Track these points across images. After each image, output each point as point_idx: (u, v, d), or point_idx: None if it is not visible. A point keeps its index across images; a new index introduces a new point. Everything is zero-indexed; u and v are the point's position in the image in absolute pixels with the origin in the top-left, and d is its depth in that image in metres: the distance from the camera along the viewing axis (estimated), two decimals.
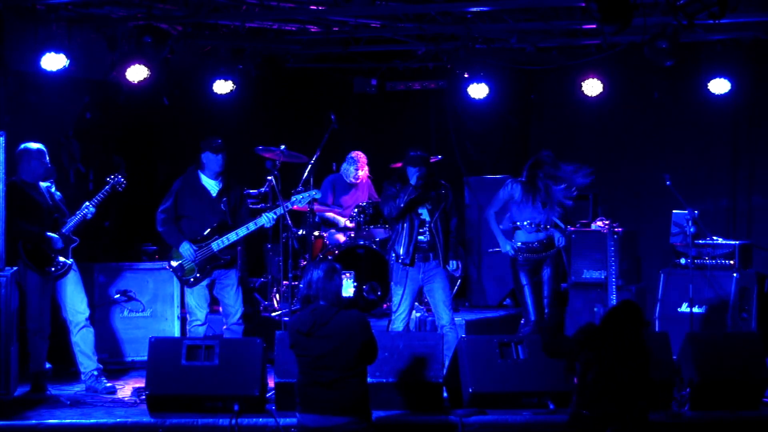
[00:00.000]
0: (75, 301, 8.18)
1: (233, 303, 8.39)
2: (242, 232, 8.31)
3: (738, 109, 11.23)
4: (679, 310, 9.70)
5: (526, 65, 11.03)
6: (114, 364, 9.03)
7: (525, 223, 8.56)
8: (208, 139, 8.35)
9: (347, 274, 9.81)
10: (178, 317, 9.28)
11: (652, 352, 6.39)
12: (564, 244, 8.69)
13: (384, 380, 7.49)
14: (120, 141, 10.48)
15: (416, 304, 9.00)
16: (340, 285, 6.54)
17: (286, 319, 9.09)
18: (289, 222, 10.06)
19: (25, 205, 8.00)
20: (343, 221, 10.53)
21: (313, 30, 10.55)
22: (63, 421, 7.32)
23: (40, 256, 8.02)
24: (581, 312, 9.89)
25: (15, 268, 7.84)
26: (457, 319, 8.93)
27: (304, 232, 10.20)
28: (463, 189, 11.47)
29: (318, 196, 9.05)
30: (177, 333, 9.25)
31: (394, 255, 8.30)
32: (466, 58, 10.59)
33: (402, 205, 8.20)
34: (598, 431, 6.14)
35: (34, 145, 8.12)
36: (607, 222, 9.26)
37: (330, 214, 10.67)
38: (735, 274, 9.75)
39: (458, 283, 10.50)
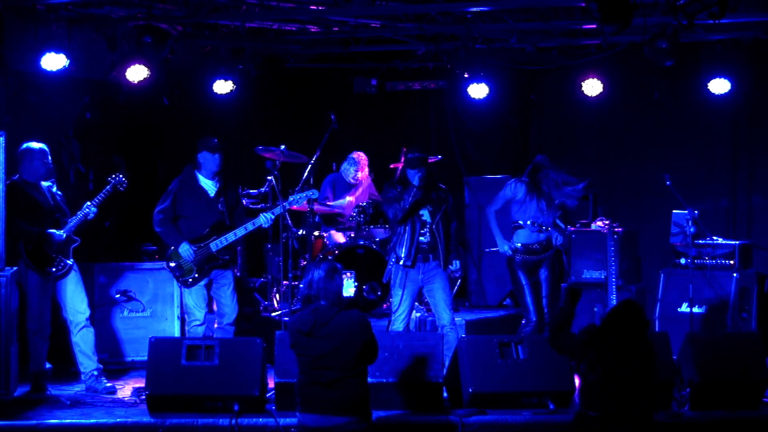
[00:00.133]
0: (75, 301, 8.18)
1: (229, 303, 8.40)
2: (240, 232, 8.31)
3: (738, 109, 11.23)
4: (679, 310, 9.70)
5: (526, 65, 11.03)
6: (114, 364, 9.03)
7: (528, 222, 8.54)
8: (204, 138, 8.35)
9: (348, 274, 9.82)
10: (178, 317, 9.28)
11: (654, 353, 6.38)
12: (561, 243, 8.69)
13: (384, 380, 7.49)
14: (120, 141, 10.48)
15: (416, 304, 9.00)
16: (341, 285, 6.54)
17: (286, 319, 9.09)
18: (289, 222, 10.07)
19: (27, 205, 8.00)
20: (348, 200, 10.51)
21: (313, 30, 10.55)
22: (63, 421, 7.32)
23: (41, 257, 8.03)
24: (581, 312, 9.84)
25: (15, 268, 7.85)
26: (457, 319, 8.93)
27: (304, 232, 10.20)
28: (463, 189, 11.48)
29: (315, 196, 9.05)
30: (177, 333, 9.25)
31: (395, 257, 8.29)
32: (466, 58, 10.59)
33: (407, 206, 8.20)
34: (604, 431, 6.13)
35: (36, 145, 8.12)
36: (607, 222, 9.26)
37: (334, 204, 10.66)
38: (735, 274, 9.75)
39: (458, 283, 10.50)
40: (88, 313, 8.25)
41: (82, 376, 8.26)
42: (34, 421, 7.27)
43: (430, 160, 8.58)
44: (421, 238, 8.28)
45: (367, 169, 10.84)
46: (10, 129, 7.99)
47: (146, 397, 7.43)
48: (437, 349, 7.61)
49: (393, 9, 9.46)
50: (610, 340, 6.21)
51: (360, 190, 10.78)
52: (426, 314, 9.64)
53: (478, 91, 10.87)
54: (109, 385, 8.23)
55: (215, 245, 8.26)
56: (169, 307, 9.36)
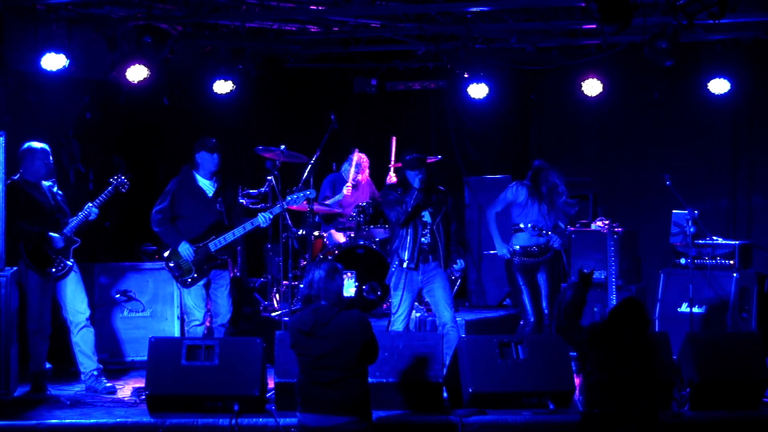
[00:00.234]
0: (75, 301, 8.18)
1: (224, 304, 8.43)
2: (239, 232, 8.31)
3: (738, 109, 11.23)
4: (679, 310, 9.71)
5: (526, 65, 11.03)
6: (114, 364, 9.04)
7: (528, 225, 8.55)
8: (202, 138, 8.35)
9: (349, 274, 9.81)
10: (178, 317, 9.28)
11: (655, 351, 6.38)
12: (559, 245, 8.68)
13: (384, 380, 7.49)
14: (120, 141, 10.48)
15: (416, 304, 9.00)
16: (342, 285, 6.54)
17: (286, 319, 9.09)
18: (289, 222, 10.07)
19: (27, 206, 8.00)
20: (343, 194, 10.51)
21: (313, 30, 10.55)
22: (63, 421, 7.32)
23: (41, 257, 8.02)
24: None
25: (15, 268, 7.85)
26: (458, 318, 8.92)
27: (304, 232, 10.20)
28: (463, 189, 11.48)
29: (312, 195, 9.04)
30: (177, 333, 9.25)
31: (398, 260, 8.27)
32: (466, 58, 10.59)
33: (410, 209, 8.19)
34: (610, 431, 6.12)
35: (38, 145, 8.12)
36: (607, 222, 9.26)
37: (331, 201, 10.66)
38: (735, 274, 9.76)
39: (458, 283, 10.50)
40: (88, 313, 8.25)
41: (82, 376, 8.26)
42: (34, 421, 7.27)
43: (428, 161, 8.59)
44: (422, 239, 8.28)
45: (367, 171, 10.84)
46: (10, 129, 7.99)
47: (146, 397, 7.43)
48: (437, 349, 7.61)
49: (393, 9, 9.46)
50: (611, 339, 6.20)
51: (351, 188, 10.76)
52: (426, 314, 9.64)
53: (478, 91, 10.87)
54: (109, 385, 8.23)
55: (214, 245, 8.26)
56: (169, 307, 9.37)
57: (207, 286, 8.37)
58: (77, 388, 8.28)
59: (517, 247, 8.62)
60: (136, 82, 9.58)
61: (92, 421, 7.32)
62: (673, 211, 10.00)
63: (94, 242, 8.94)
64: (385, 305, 9.91)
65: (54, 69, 8.98)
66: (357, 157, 10.78)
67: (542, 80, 11.89)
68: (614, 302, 9.10)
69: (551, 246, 8.63)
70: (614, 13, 7.58)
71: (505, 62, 11.01)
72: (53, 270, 8.07)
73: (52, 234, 8.04)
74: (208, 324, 8.48)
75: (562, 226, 8.80)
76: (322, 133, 10.34)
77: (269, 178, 9.57)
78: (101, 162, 10.17)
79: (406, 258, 8.23)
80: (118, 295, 9.30)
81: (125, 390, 8.30)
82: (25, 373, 8.12)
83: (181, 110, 10.65)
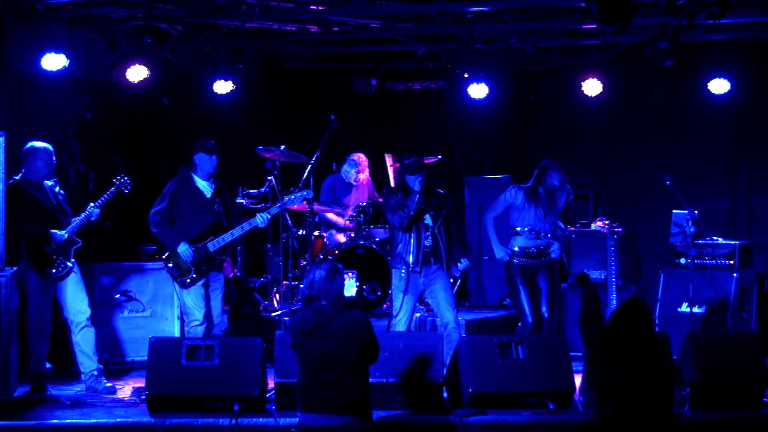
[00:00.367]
0: (76, 301, 8.18)
1: (217, 305, 8.47)
2: (237, 232, 8.32)
3: (738, 109, 11.22)
4: (679, 310, 9.71)
5: (526, 65, 11.03)
6: (114, 364, 9.04)
7: (525, 229, 8.57)
8: (201, 140, 8.35)
9: (350, 274, 9.81)
10: (178, 317, 9.28)
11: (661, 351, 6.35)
12: (558, 255, 8.67)
13: (384, 380, 7.49)
14: (120, 141, 10.48)
15: (416, 305, 9.00)
16: (343, 285, 6.54)
17: (286, 319, 9.10)
18: (289, 222, 10.07)
19: (28, 206, 8.00)
20: (342, 222, 10.53)
21: (313, 30, 10.55)
22: (63, 421, 7.32)
23: (42, 257, 8.02)
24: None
25: (15, 269, 7.84)
26: (458, 319, 8.92)
27: (304, 232, 10.20)
28: (463, 189, 11.48)
29: (310, 196, 9.03)
30: (177, 333, 9.24)
31: (403, 264, 8.27)
32: (466, 58, 10.60)
33: (412, 214, 8.20)
34: (622, 431, 6.12)
35: (40, 145, 8.12)
36: (607, 222, 9.26)
37: (330, 215, 10.67)
38: (735, 274, 9.76)
39: (458, 283, 10.50)
40: (89, 312, 8.25)
41: (83, 376, 8.26)
42: (34, 421, 7.27)
43: (426, 161, 8.59)
44: (425, 242, 8.29)
45: (367, 171, 10.84)
46: (10, 129, 7.99)
47: (146, 397, 7.43)
48: (437, 349, 7.62)
49: (393, 9, 9.47)
50: (614, 339, 6.20)
51: (352, 196, 10.77)
52: (426, 314, 9.64)
53: (478, 91, 10.87)
54: (109, 385, 8.23)
55: (213, 245, 8.26)
56: (169, 307, 9.36)
57: (206, 287, 8.37)
58: (77, 388, 8.28)
59: (516, 248, 8.62)
60: (136, 82, 9.58)
61: (92, 421, 7.32)
62: (673, 211, 10.00)
63: (94, 242, 8.94)
64: (385, 305, 9.91)
65: (54, 69, 8.98)
66: (357, 156, 10.78)
67: (542, 80, 11.89)
68: (614, 302, 9.10)
69: (550, 252, 8.62)
70: (614, 13, 7.58)
71: (505, 62, 11.01)
72: (53, 271, 8.07)
73: (54, 233, 8.04)
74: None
75: (562, 226, 8.80)
76: (322, 133, 10.34)
77: (269, 178, 9.57)
78: (101, 162, 10.18)
79: (411, 261, 8.24)
80: (118, 295, 9.30)
81: (125, 390, 8.30)
82: (25, 373, 8.12)
83: (181, 110, 10.65)
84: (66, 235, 8.08)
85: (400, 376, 7.54)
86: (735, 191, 11.37)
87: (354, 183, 10.79)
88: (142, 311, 9.36)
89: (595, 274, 10.01)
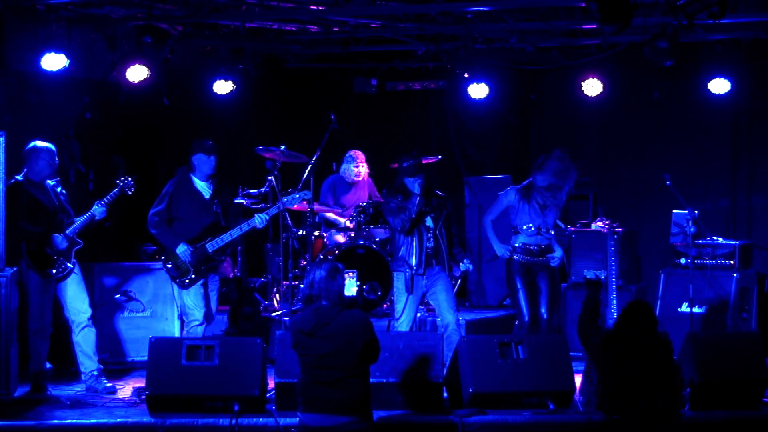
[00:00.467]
0: (77, 301, 8.18)
1: (213, 306, 8.47)
2: (235, 233, 8.33)
3: (738, 109, 11.22)
4: (679, 310, 9.71)
5: (526, 65, 11.03)
6: (114, 364, 9.03)
7: (524, 227, 8.58)
8: (199, 140, 8.36)
9: (350, 274, 9.80)
10: (178, 317, 9.28)
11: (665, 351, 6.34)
12: (558, 263, 8.66)
13: (384, 380, 7.49)
14: (120, 141, 10.49)
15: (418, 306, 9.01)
16: (343, 285, 6.54)
17: (287, 319, 9.10)
18: (290, 222, 10.07)
19: (30, 206, 8.00)
20: (343, 221, 10.53)
21: (313, 30, 10.55)
22: (63, 421, 7.31)
23: (43, 258, 8.02)
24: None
25: (15, 269, 7.84)
26: (459, 319, 8.93)
27: (304, 232, 10.20)
28: (463, 189, 11.48)
29: (308, 197, 9.02)
30: (177, 333, 9.24)
31: (406, 267, 8.26)
32: (466, 58, 10.59)
33: (414, 216, 8.20)
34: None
35: (43, 144, 8.12)
36: (607, 222, 9.25)
37: (330, 215, 10.67)
38: (735, 274, 9.76)
39: (458, 283, 10.50)
40: (89, 312, 8.25)
41: (83, 376, 8.26)
42: (34, 422, 7.26)
43: (425, 162, 8.59)
44: (427, 244, 8.29)
45: (366, 166, 10.82)
46: (10, 129, 7.98)
47: (146, 397, 7.43)
48: (437, 349, 7.62)
49: (393, 9, 9.47)
50: (618, 341, 6.20)
51: (352, 194, 10.77)
52: (426, 314, 9.64)
53: (478, 91, 10.87)
54: (109, 385, 8.23)
55: (211, 246, 8.27)
56: (169, 307, 9.36)
57: (205, 287, 8.38)
58: (77, 388, 8.28)
59: (517, 244, 8.62)
60: (136, 82, 9.59)
61: (92, 421, 7.32)
62: (673, 211, 10.00)
63: (94, 242, 8.94)
64: (385, 305, 9.91)
65: (54, 69, 8.98)
66: (353, 152, 10.77)
67: (542, 80, 11.89)
68: (614, 302, 9.10)
69: (550, 259, 8.60)
70: (614, 13, 7.58)
71: (505, 62, 11.01)
72: (54, 271, 8.07)
73: (54, 235, 8.04)
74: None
75: (563, 226, 8.80)
76: (322, 133, 10.34)
77: (269, 178, 9.57)
78: (101, 162, 10.18)
79: (414, 264, 8.24)
80: (118, 295, 9.30)
81: (125, 390, 8.30)
82: (25, 373, 8.12)
83: (181, 110, 10.65)
84: (66, 243, 8.07)
85: (400, 376, 7.54)
86: (735, 191, 11.36)
87: (354, 179, 10.76)
88: (143, 311, 9.36)
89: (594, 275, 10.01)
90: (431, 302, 8.62)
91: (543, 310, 8.60)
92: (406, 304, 8.26)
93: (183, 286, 8.29)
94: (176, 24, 9.83)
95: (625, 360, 6.16)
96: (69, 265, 8.12)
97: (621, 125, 11.74)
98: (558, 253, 8.62)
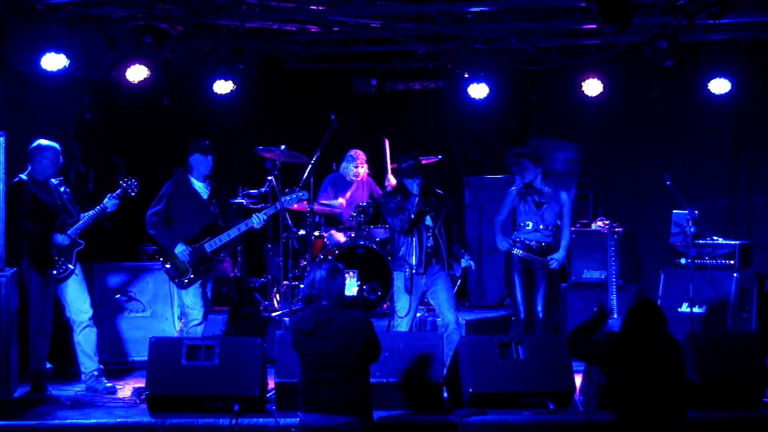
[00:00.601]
0: (79, 301, 8.18)
1: (207, 306, 8.47)
2: (233, 233, 8.33)
3: (738, 109, 11.22)
4: (679, 310, 9.71)
5: (526, 65, 11.03)
6: (114, 364, 9.03)
7: (521, 224, 8.63)
8: (196, 141, 8.37)
9: (351, 273, 9.81)
10: (178, 317, 9.27)
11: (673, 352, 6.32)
12: (558, 266, 8.65)
13: (385, 380, 7.49)
14: (120, 141, 10.49)
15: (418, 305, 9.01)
16: (343, 285, 6.54)
17: (287, 319, 9.10)
18: (290, 222, 10.07)
19: (33, 205, 7.99)
20: (339, 201, 10.53)
21: (313, 30, 10.55)
22: (63, 421, 7.32)
23: (44, 258, 8.02)
24: (581, 312, 9.89)
25: (15, 269, 7.84)
26: (459, 319, 8.93)
27: (304, 232, 10.20)
28: (463, 189, 11.49)
29: (305, 197, 9.03)
30: (175, 331, 9.24)
31: (407, 267, 8.27)
32: (466, 58, 10.59)
33: (413, 216, 8.21)
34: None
35: (47, 143, 8.11)
36: (607, 222, 9.27)
37: (333, 202, 10.65)
38: (735, 274, 9.76)
39: (458, 283, 10.50)
40: (91, 312, 8.25)
41: (83, 376, 8.26)
42: (34, 422, 7.26)
43: (423, 162, 8.60)
44: (426, 243, 8.30)
45: (366, 165, 10.83)
46: (10, 129, 7.97)
47: (146, 397, 7.43)
48: (438, 349, 7.62)
49: (393, 9, 9.47)
50: (624, 341, 6.19)
51: (351, 191, 10.76)
52: (426, 314, 9.64)
53: (478, 91, 10.87)
54: (109, 385, 8.23)
55: (210, 246, 8.28)
56: (169, 307, 9.32)
57: (203, 286, 8.39)
58: (77, 388, 8.28)
59: (517, 239, 8.64)
60: (136, 82, 9.58)
61: (92, 421, 7.32)
62: (673, 211, 10.00)
63: (94, 242, 8.94)
64: (385, 305, 9.91)
65: (54, 69, 8.98)
66: (354, 152, 10.78)
67: (542, 80, 11.89)
68: (614, 302, 9.12)
69: (549, 261, 8.60)
70: (614, 13, 7.58)
71: (505, 62, 11.01)
72: (54, 272, 8.07)
73: (55, 234, 8.04)
74: (181, 326, 8.51)
75: (561, 225, 8.80)
76: (322, 133, 10.34)
77: (269, 178, 9.58)
78: (101, 162, 10.18)
79: (414, 263, 8.25)
80: (118, 295, 9.30)
81: (125, 390, 8.30)
82: (25, 373, 8.12)
83: (181, 110, 10.65)
84: (67, 242, 8.07)
85: (400, 376, 7.54)
86: (735, 191, 11.37)
87: (354, 179, 10.78)
88: (143, 311, 9.36)
89: (595, 274, 10.02)
90: (431, 301, 8.63)
91: (539, 309, 8.61)
92: (406, 304, 8.27)
93: (182, 286, 8.29)
94: (176, 24, 9.83)
95: (625, 360, 6.16)
96: (70, 266, 8.12)
97: (621, 125, 11.74)
98: (558, 255, 8.60)
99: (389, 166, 10.80)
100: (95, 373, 8.22)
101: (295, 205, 9.28)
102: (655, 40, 8.93)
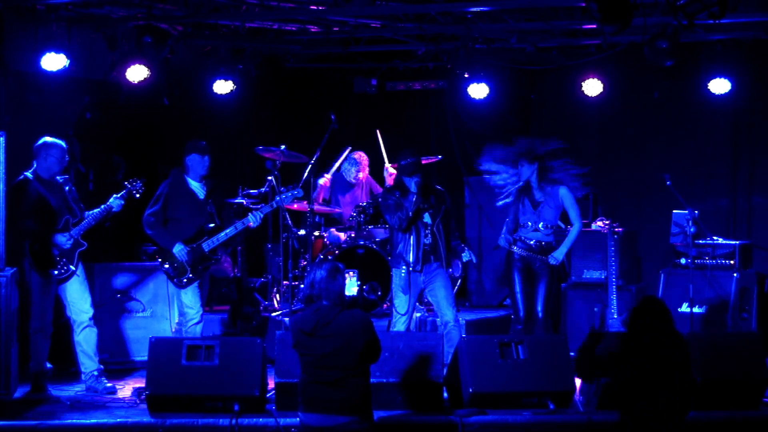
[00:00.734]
0: (80, 301, 8.18)
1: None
2: (230, 232, 8.35)
3: (738, 109, 11.22)
4: (679, 310, 9.70)
5: (526, 65, 11.02)
6: (114, 364, 9.03)
7: (522, 223, 8.65)
8: (192, 141, 8.38)
9: (351, 273, 9.81)
10: (178, 317, 9.27)
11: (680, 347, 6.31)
12: (557, 264, 8.64)
13: (385, 380, 7.49)
14: (120, 141, 10.48)
15: (417, 304, 9.01)
16: (343, 285, 6.54)
17: (287, 319, 9.10)
18: (290, 222, 10.07)
19: (36, 204, 7.98)
20: (321, 181, 10.56)
21: (313, 30, 10.55)
22: (63, 421, 7.32)
23: (45, 258, 8.01)
24: (581, 312, 9.89)
25: (15, 269, 7.83)
26: (459, 318, 8.93)
27: (304, 232, 10.20)
28: (463, 189, 11.48)
29: (300, 194, 9.02)
30: (173, 332, 9.24)
31: (403, 264, 8.28)
32: (466, 58, 10.59)
33: (411, 214, 8.21)
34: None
35: (53, 141, 8.11)
36: (607, 222, 9.27)
37: (325, 207, 10.67)
38: (735, 274, 9.76)
39: (458, 283, 10.50)
40: (91, 312, 8.25)
41: (83, 376, 8.26)
42: (34, 422, 7.26)
43: (423, 161, 8.60)
44: (425, 240, 8.30)
45: (367, 170, 10.86)
46: (10, 129, 7.97)
47: (146, 397, 7.43)
48: (438, 349, 7.62)
49: (393, 9, 9.47)
50: (630, 341, 6.18)
51: (352, 192, 10.77)
52: (426, 314, 9.64)
53: (478, 91, 10.87)
54: (109, 385, 8.23)
55: (207, 245, 8.29)
56: (169, 308, 9.36)
57: (201, 286, 8.39)
58: (77, 389, 8.28)
59: (517, 238, 8.64)
60: (136, 82, 9.59)
61: (92, 421, 7.32)
62: (673, 211, 10.00)
63: (95, 242, 8.94)
64: (385, 305, 9.91)
65: (54, 69, 8.98)
66: (357, 155, 10.79)
67: (542, 80, 11.89)
68: (614, 302, 9.11)
69: (549, 258, 8.60)
70: (614, 13, 7.58)
71: (505, 62, 11.01)
72: (55, 272, 8.07)
73: (58, 234, 8.04)
74: (177, 327, 8.51)
75: (563, 226, 8.80)
76: (322, 133, 10.35)
77: (269, 178, 9.58)
78: (101, 162, 10.18)
79: (411, 261, 8.25)
80: (118, 295, 9.30)
81: (125, 390, 8.30)
82: (25, 373, 8.12)
83: (181, 110, 10.65)
84: (70, 243, 8.07)
85: (400, 376, 7.54)
86: (735, 191, 11.36)
87: (354, 181, 10.79)
88: (143, 311, 9.36)
89: (595, 274, 10.02)
90: (430, 299, 8.63)
91: (539, 309, 8.60)
92: (404, 301, 8.27)
93: (180, 286, 8.30)
94: (176, 24, 9.83)
95: (625, 359, 6.16)
96: (71, 267, 8.12)
97: (621, 125, 11.74)
98: (558, 253, 8.59)
99: (386, 157, 10.81)
100: (95, 373, 8.22)
101: (296, 205, 9.28)
102: (655, 40, 8.93)
